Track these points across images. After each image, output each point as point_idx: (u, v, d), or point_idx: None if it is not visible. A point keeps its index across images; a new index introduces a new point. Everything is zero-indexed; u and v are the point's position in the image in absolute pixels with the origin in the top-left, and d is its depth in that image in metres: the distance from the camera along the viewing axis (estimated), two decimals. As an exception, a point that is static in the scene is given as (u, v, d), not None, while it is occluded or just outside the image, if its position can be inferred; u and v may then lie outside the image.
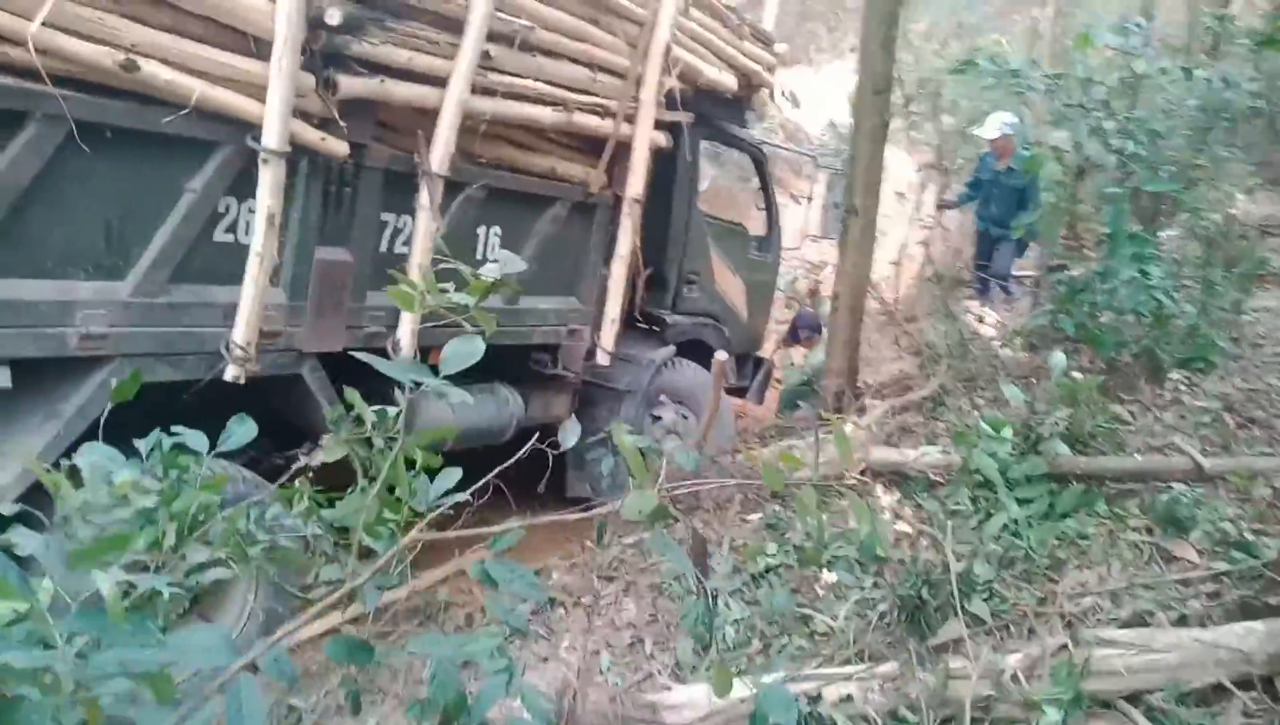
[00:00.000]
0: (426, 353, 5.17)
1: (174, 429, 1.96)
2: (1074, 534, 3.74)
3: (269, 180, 3.90)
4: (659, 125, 6.00)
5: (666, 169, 6.51)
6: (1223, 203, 6.14)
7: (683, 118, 6.18)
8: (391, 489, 1.88)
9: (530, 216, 5.48)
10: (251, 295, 3.98)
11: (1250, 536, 3.26)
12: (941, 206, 8.90)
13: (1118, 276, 4.70)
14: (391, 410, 4.57)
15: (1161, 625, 2.86)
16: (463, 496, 1.98)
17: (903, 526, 4.36)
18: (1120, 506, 3.94)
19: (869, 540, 4.14)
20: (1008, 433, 4.25)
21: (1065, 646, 2.69)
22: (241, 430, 2.03)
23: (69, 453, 1.94)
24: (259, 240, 3.94)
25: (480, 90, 4.70)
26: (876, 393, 5.93)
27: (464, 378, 5.66)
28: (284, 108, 3.83)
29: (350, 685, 2.52)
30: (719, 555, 4.35)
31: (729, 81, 6.42)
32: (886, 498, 4.55)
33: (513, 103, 4.91)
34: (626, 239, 5.94)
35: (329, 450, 2.06)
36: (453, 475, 2.09)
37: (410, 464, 1.95)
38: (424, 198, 4.58)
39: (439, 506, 2.01)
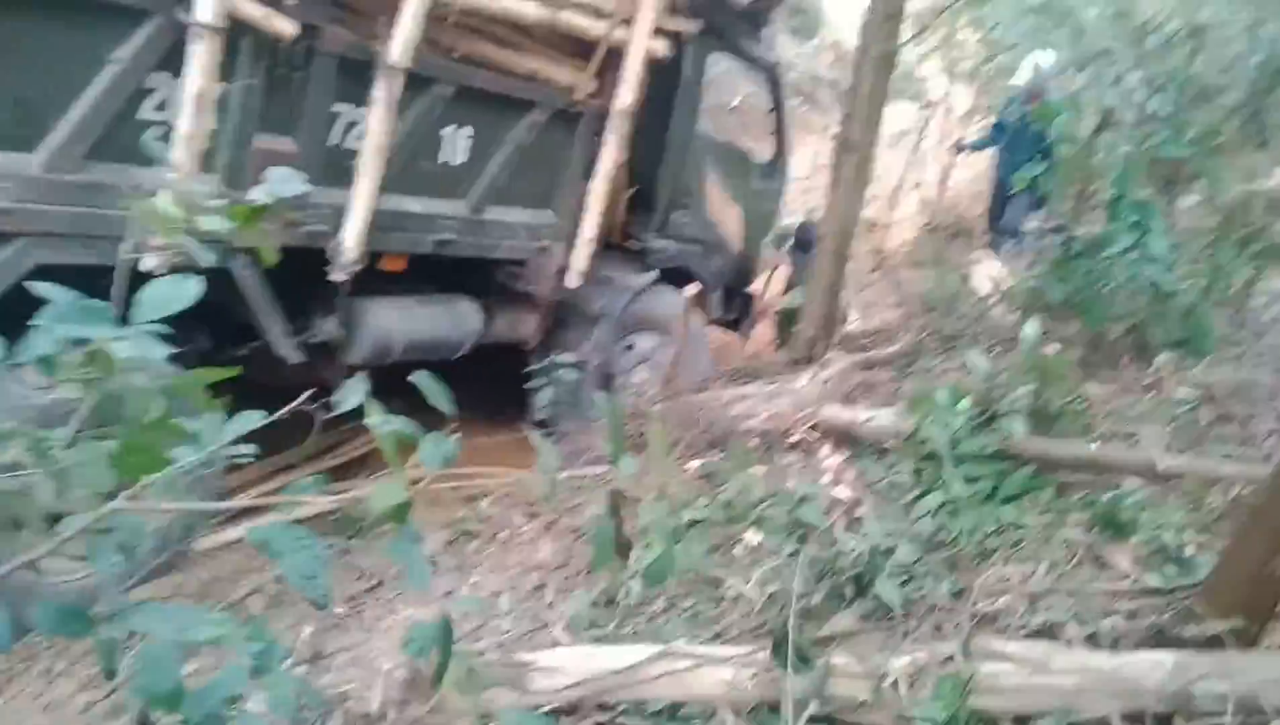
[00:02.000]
0: (375, 259, 4.97)
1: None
2: (1011, 522, 3.52)
3: (200, 57, 3.64)
4: (660, 32, 5.62)
5: (667, 81, 6.14)
6: (1252, 174, 5.71)
7: (688, 26, 5.80)
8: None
9: (506, 120, 5.18)
10: (177, 182, 3.75)
11: (1190, 550, 3.02)
12: (959, 149, 8.45)
13: (1114, 245, 4.37)
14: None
15: (1071, 640, 2.66)
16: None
17: (843, 491, 4.15)
18: (1068, 496, 3.71)
19: (797, 505, 4.00)
20: (965, 404, 4.00)
21: (952, 658, 2.50)
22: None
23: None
24: (186, 122, 3.70)
25: (452, -22, 4.38)
26: (855, 343, 5.66)
27: (422, 286, 5.43)
28: (218, -22, 3.54)
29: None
30: (647, 504, 4.16)
31: (743, -12, 6.00)
32: (832, 458, 4.33)
33: (489, -6, 4.58)
34: (611, 154, 5.62)
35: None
36: (251, 418, 1.84)
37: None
38: (379, 90, 4.30)
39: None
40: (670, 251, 6.82)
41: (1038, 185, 5.03)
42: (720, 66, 8.10)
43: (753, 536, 3.88)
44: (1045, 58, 6.79)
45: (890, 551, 3.52)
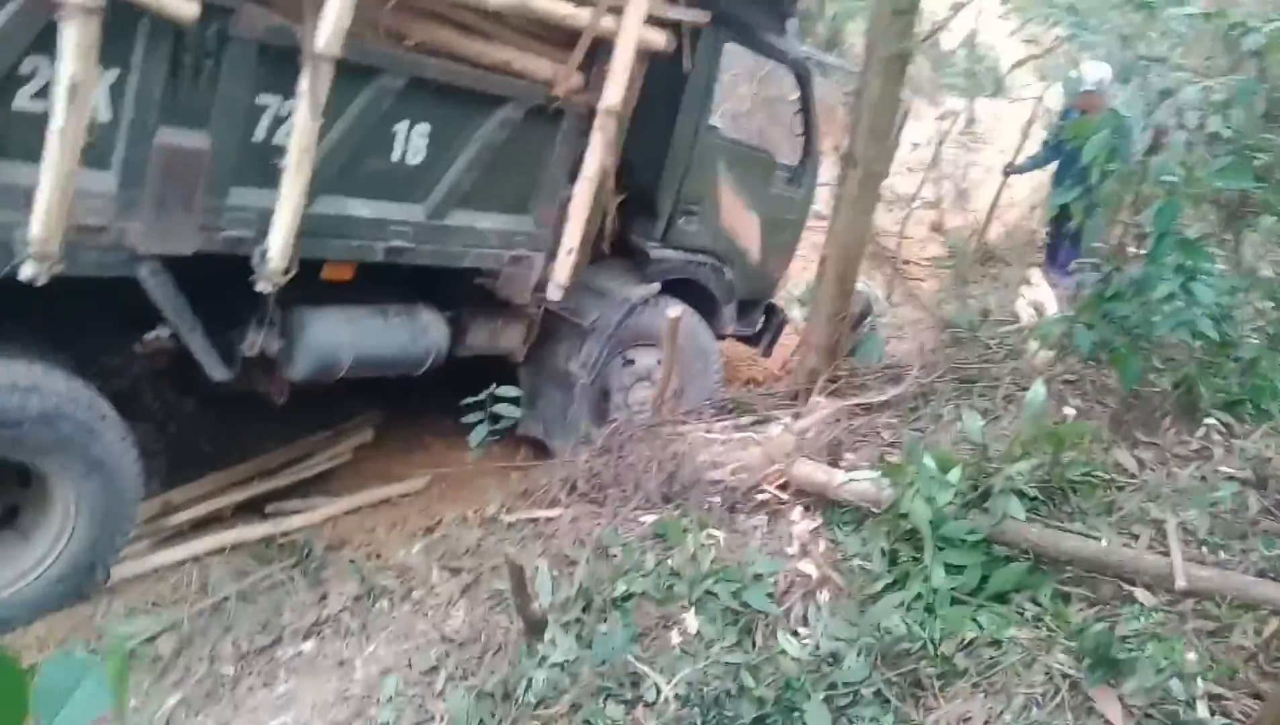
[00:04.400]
0: (318, 266, 4.51)
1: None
2: (992, 633, 2.89)
3: (71, 41, 3.18)
4: (657, 22, 5.03)
5: (672, 76, 5.55)
6: None
7: (691, 16, 5.19)
8: None
9: (471, 116, 4.65)
10: (52, 181, 3.31)
11: (1203, 708, 2.35)
12: (1009, 171, 7.68)
13: (1154, 289, 3.67)
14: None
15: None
16: None
17: (809, 567, 3.54)
18: (1070, 601, 3.05)
19: (744, 586, 3.41)
20: (955, 475, 3.36)
21: None
22: None
23: None
24: (59, 114, 3.25)
25: (396, -44, 3.86)
26: (861, 378, 5.00)
27: (380, 297, 4.91)
28: (89, -48, 3.07)
29: None
30: (582, 566, 3.61)
31: (758, -25, 5.36)
32: (802, 525, 3.72)
33: (442, -25, 4.05)
34: (597, 156, 5.06)
35: None
36: None
37: None
38: (304, 81, 3.80)
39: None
40: (674, 262, 6.27)
41: (1073, 213, 4.31)
42: (743, 61, 7.49)
43: (691, 621, 3.31)
44: (1097, 68, 5.97)
45: (837, 660, 2.93)
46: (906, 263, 9.51)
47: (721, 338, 7.02)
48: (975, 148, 13.87)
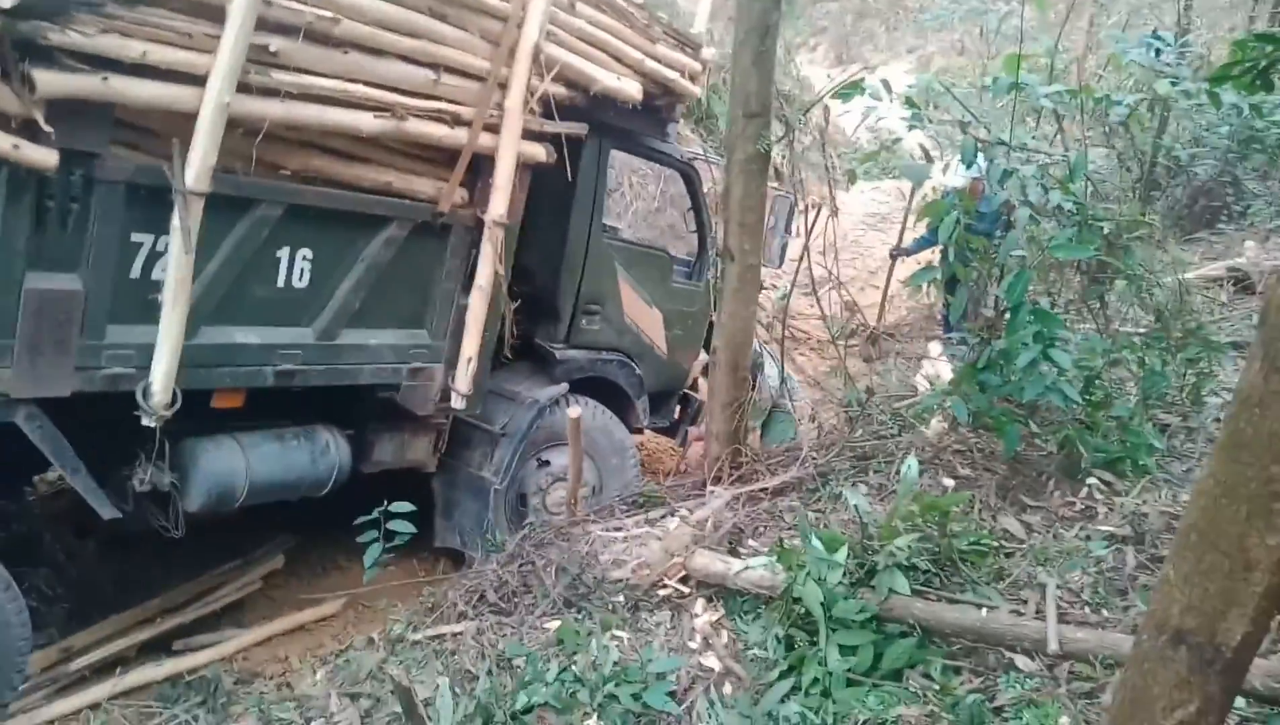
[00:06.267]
0: (208, 396, 4.48)
1: None
2: (879, 712, 2.90)
3: (-76, 195, 3.18)
4: (536, 136, 5.19)
5: (561, 185, 5.70)
6: (1177, 265, 5.10)
7: (567, 129, 5.35)
8: None
9: (355, 238, 4.71)
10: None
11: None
12: (895, 254, 7.98)
13: (1018, 358, 3.81)
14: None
15: None
16: None
17: (712, 660, 3.53)
18: (957, 674, 3.09)
19: (645, 688, 3.38)
20: (843, 554, 3.40)
21: None
22: None
23: None
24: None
25: (261, 91, 3.95)
26: (761, 464, 5.06)
27: (277, 419, 4.86)
28: (-63, 109, 3.10)
29: None
30: (483, 680, 3.56)
31: (630, 90, 5.56)
32: (704, 617, 3.72)
33: (309, 106, 4.14)
34: (488, 266, 5.14)
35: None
36: None
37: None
38: (176, 218, 3.83)
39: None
40: (580, 361, 6.34)
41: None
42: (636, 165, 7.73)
43: (592, 728, 3.27)
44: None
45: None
46: (820, 342, 9.73)
47: (638, 431, 7.08)
48: (882, 229, 14.40)
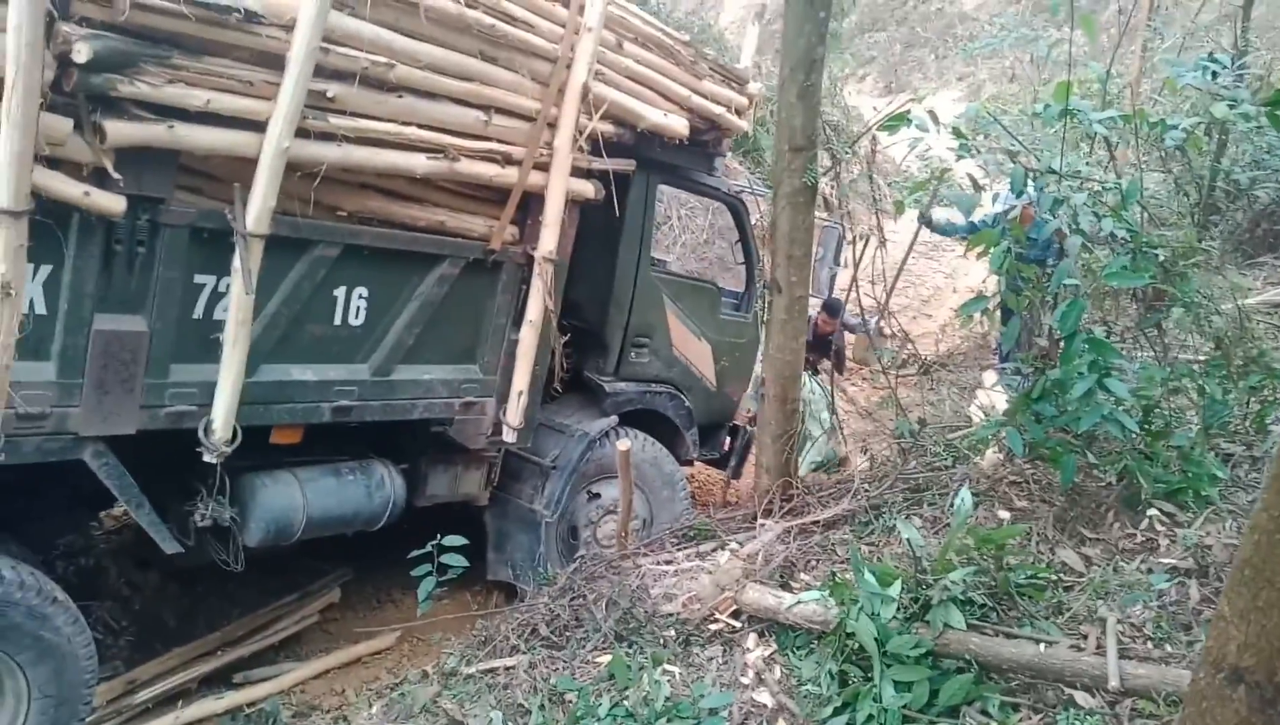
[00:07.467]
0: (266, 432, 4.58)
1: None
2: (936, 751, 2.86)
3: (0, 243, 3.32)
4: (584, 173, 5.27)
5: (610, 220, 5.78)
6: (1236, 291, 4.99)
7: (615, 165, 5.42)
8: None
9: (409, 276, 4.81)
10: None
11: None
12: (922, 221, 7.83)
13: (1073, 389, 3.76)
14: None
15: None
16: None
17: (764, 696, 3.51)
18: (1016, 710, 3.03)
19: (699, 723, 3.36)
20: (896, 588, 3.37)
21: None
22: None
23: None
24: (-11, 309, 3.36)
25: (318, 135, 4.07)
26: (813, 496, 5.03)
27: (334, 454, 4.96)
28: (17, 161, 3.23)
29: None
30: (535, 714, 3.57)
31: (677, 125, 5.62)
32: (756, 652, 3.70)
33: (365, 149, 4.25)
34: (538, 301, 5.21)
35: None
36: None
37: None
38: (237, 260, 3.95)
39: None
40: (630, 393, 6.37)
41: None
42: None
43: (644, 763, 3.26)
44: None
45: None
46: (872, 372, 9.65)
47: (688, 463, 7.09)
48: (933, 257, 14.29)
